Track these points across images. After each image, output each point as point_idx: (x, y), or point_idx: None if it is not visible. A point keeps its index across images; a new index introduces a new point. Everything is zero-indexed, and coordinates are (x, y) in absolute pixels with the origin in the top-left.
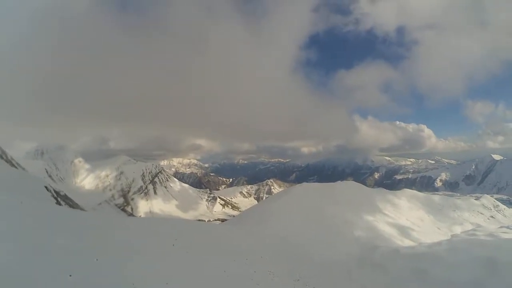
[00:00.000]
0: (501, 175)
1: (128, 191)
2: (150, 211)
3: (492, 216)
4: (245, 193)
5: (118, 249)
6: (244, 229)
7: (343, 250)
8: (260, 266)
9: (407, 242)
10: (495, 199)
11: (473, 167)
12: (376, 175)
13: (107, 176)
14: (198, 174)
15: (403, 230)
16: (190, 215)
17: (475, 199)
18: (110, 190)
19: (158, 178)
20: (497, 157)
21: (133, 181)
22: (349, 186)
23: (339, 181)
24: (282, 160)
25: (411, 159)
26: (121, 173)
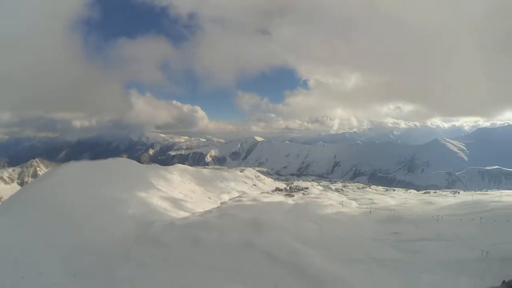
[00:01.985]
0: (261, 153)
1: None
2: None
3: (254, 185)
4: (6, 178)
5: None
6: (6, 222)
7: (119, 229)
8: (29, 267)
9: (181, 214)
10: (257, 171)
11: (239, 145)
12: (151, 151)
13: None
14: None
15: (176, 203)
16: None
17: (240, 171)
18: None
19: None
20: (259, 138)
21: None
22: (121, 164)
23: (111, 159)
24: (50, 135)
25: (184, 137)
26: None
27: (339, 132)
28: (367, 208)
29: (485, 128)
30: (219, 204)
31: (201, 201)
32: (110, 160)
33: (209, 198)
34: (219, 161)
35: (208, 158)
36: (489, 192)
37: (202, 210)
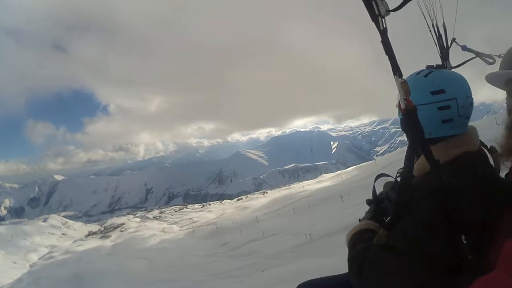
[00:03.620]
0: (65, 194)
1: None
2: None
3: (64, 234)
4: None
5: None
6: None
7: None
8: None
9: None
10: (63, 216)
11: (37, 189)
12: None
13: None
14: None
15: None
16: None
17: (43, 221)
18: None
19: None
20: (59, 177)
21: None
22: None
23: None
24: None
25: None
26: None
27: (147, 158)
28: (189, 228)
29: (278, 136)
30: (28, 268)
31: (5, 270)
32: None
33: (15, 263)
34: (17, 212)
35: (3, 211)
36: (292, 186)
37: (11, 281)
